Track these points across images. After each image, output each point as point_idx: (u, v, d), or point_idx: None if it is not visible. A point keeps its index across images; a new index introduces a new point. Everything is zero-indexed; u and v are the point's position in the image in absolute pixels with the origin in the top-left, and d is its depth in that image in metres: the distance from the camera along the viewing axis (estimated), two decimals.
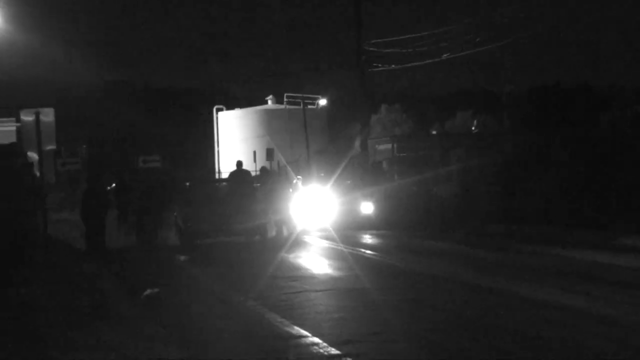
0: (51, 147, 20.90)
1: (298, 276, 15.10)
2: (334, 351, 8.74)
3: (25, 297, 11.58)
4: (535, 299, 11.57)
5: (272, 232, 22.79)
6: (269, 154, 42.46)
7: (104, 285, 14.95)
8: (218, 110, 57.87)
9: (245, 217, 21.85)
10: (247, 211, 22.09)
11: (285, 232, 22.58)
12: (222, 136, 56.74)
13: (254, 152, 46.70)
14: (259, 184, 24.67)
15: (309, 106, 51.73)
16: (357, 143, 37.74)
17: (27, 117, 19.91)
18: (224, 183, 26.59)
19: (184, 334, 10.21)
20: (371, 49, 34.96)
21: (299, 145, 46.69)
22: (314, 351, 8.84)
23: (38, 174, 17.09)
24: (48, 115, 19.99)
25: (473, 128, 60.42)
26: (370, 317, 10.78)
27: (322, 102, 55.45)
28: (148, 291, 12.88)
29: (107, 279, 15.81)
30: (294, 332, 9.81)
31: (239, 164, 24.91)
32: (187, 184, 25.37)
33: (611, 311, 10.55)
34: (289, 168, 39.83)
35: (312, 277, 14.93)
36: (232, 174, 25.15)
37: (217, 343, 9.64)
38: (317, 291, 13.22)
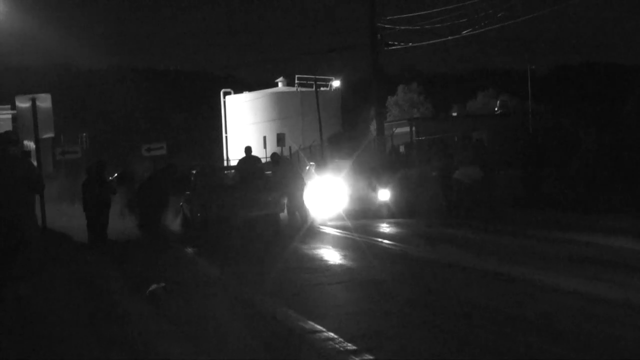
0: (49, 134, 20.88)
1: (312, 267, 15.05)
2: (350, 346, 8.67)
3: (23, 294, 11.56)
4: (559, 288, 11.47)
5: (285, 222, 22.60)
6: (280, 140, 42.33)
7: (107, 279, 14.97)
8: (226, 94, 57.80)
9: (258, 206, 22.00)
10: (259, 200, 22.19)
11: (298, 221, 22.36)
12: (230, 121, 56.70)
13: (264, 138, 46.57)
14: (270, 171, 24.44)
15: (322, 88, 51.50)
16: (373, 127, 37.64)
17: (23, 103, 19.87)
18: (233, 170, 26.35)
19: (192, 330, 10.16)
20: (386, 26, 34.75)
21: (311, 129, 46.51)
22: (329, 346, 8.78)
23: (35, 163, 17.03)
24: (45, 102, 19.95)
25: (496, 109, 60.15)
26: (387, 309, 10.71)
27: (336, 84, 55.25)
28: (153, 286, 12.83)
29: (110, 273, 15.83)
30: (307, 326, 9.75)
31: (248, 149, 24.76)
32: (194, 171, 25.04)
33: None
34: (301, 154, 39.72)
35: (326, 269, 14.84)
36: (241, 161, 24.91)
37: (227, 339, 9.59)
38: (331, 284, 13.17)
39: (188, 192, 23.44)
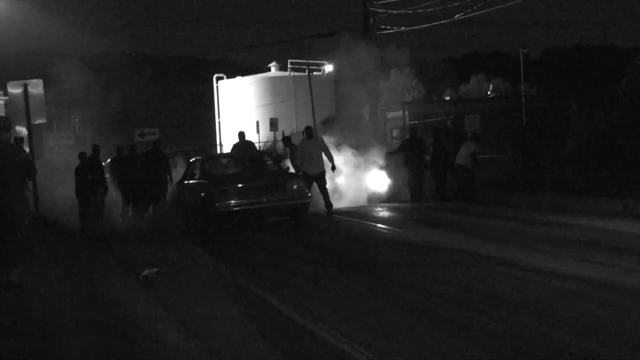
0: (41, 120, 20.78)
1: (305, 256, 15.16)
2: (341, 339, 8.64)
3: (14, 280, 11.57)
4: (554, 271, 11.53)
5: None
6: (273, 124, 42.24)
7: (99, 265, 14.93)
8: (218, 79, 57.65)
9: (285, 194, 19.04)
10: (285, 188, 19.24)
11: (321, 208, 21.76)
12: (223, 106, 56.55)
13: (257, 122, 46.47)
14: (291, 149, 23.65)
15: (315, 73, 51.41)
16: (366, 111, 37.46)
17: (15, 89, 19.80)
18: (240, 157, 23.44)
19: (185, 314, 10.18)
20: (379, 10, 34.66)
21: (304, 114, 46.44)
22: (319, 328, 8.86)
23: (28, 149, 16.99)
24: (37, 87, 19.89)
25: (489, 92, 60.20)
26: (384, 297, 10.77)
27: (329, 68, 55.10)
28: (146, 271, 12.81)
29: (102, 259, 15.80)
30: (297, 318, 9.71)
31: (241, 135, 24.35)
32: (197, 158, 22.94)
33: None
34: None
35: (321, 257, 14.77)
36: (235, 146, 24.56)
37: (219, 324, 9.64)
38: (326, 271, 13.19)
39: (190, 181, 20.87)
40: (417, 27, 36.93)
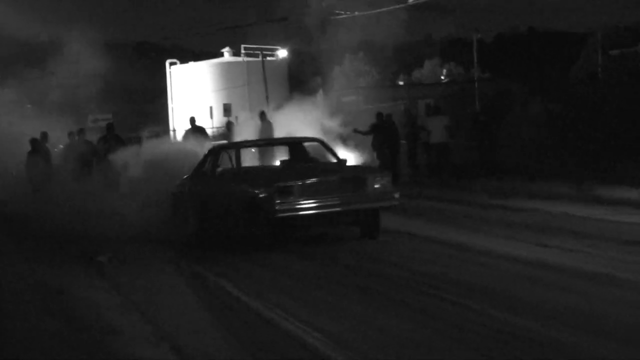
0: None
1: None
2: (292, 320, 8.63)
3: None
4: (508, 255, 11.62)
5: None
6: (226, 110, 42.27)
7: (51, 251, 14.83)
8: (171, 64, 57.70)
9: (365, 193, 13.77)
10: (366, 184, 13.81)
11: None
12: (176, 92, 56.55)
13: (210, 108, 46.52)
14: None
15: (268, 58, 51.54)
16: (320, 96, 37.43)
17: None
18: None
19: (140, 300, 10.20)
20: None
21: (258, 99, 46.55)
22: (276, 314, 8.83)
23: None
24: None
25: (442, 77, 60.61)
26: (334, 281, 10.91)
27: (282, 53, 55.23)
28: (100, 257, 12.73)
29: (55, 245, 15.67)
30: (251, 296, 9.79)
31: (192, 120, 23.96)
32: (222, 144, 19.33)
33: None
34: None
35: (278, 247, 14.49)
36: (188, 132, 24.14)
37: (177, 315, 9.61)
38: (286, 257, 13.17)
39: (217, 174, 15.40)
40: (370, 12, 36.96)
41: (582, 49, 51.87)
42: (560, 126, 24.47)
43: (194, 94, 53.21)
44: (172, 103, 56.64)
